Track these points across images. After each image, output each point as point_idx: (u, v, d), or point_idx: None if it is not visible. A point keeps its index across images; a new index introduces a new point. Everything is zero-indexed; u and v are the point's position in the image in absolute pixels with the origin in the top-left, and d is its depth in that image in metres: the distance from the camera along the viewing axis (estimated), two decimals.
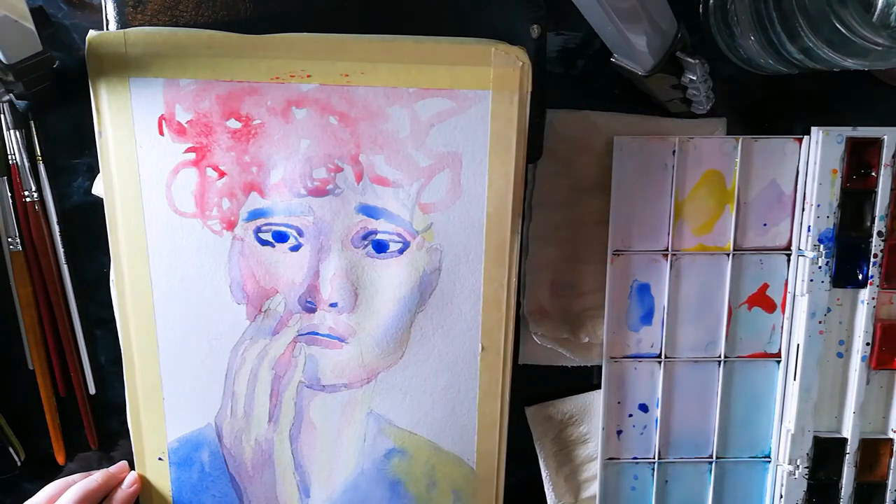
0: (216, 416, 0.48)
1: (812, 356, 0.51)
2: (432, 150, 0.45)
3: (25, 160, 0.48)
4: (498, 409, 0.49)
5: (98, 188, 0.48)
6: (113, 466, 0.50)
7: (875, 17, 0.40)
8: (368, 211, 0.45)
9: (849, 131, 0.48)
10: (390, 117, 0.44)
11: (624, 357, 0.52)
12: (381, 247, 0.46)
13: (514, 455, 0.51)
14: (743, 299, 0.52)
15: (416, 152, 0.45)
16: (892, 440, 0.52)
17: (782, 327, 0.52)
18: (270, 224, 0.46)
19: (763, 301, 0.52)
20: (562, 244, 0.51)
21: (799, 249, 0.51)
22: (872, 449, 0.52)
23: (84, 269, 0.50)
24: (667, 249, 0.51)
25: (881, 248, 0.50)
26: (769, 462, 0.53)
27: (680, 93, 0.47)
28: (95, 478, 0.48)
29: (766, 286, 0.52)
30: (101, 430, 0.52)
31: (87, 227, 0.49)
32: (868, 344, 0.51)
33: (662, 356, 0.52)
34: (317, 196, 0.45)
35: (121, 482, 0.48)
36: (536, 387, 0.54)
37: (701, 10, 0.49)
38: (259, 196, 0.45)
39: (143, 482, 0.49)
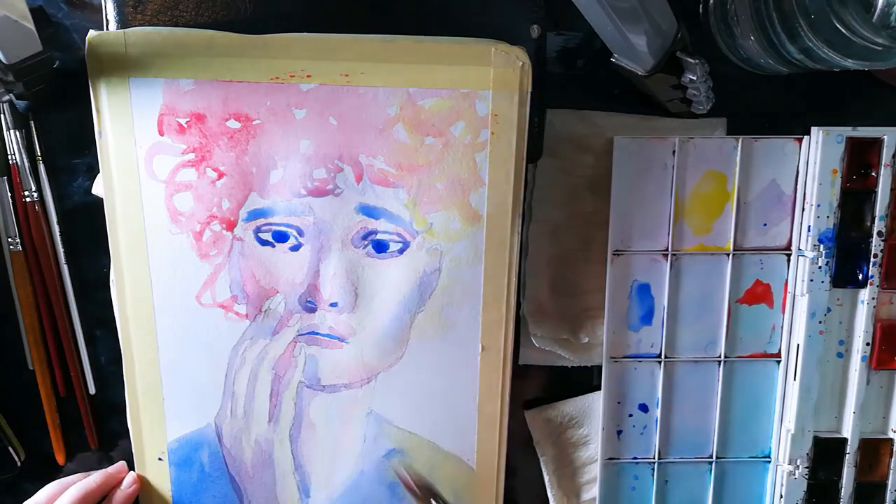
0: (216, 417, 0.48)
1: (812, 356, 0.51)
2: (432, 150, 0.45)
3: (25, 160, 0.48)
4: (498, 410, 0.49)
5: (98, 188, 0.48)
6: (111, 467, 0.50)
7: (875, 17, 0.40)
8: (368, 211, 0.45)
9: (849, 131, 0.48)
10: (390, 117, 0.44)
11: (624, 357, 0.52)
12: (381, 247, 0.46)
13: (514, 455, 0.51)
14: (743, 300, 0.52)
15: (415, 152, 0.45)
16: (892, 440, 0.52)
17: (782, 327, 0.52)
18: (270, 224, 0.46)
19: (763, 301, 0.52)
20: (562, 244, 0.51)
21: (799, 249, 0.51)
22: (872, 449, 0.52)
23: (84, 269, 0.50)
24: (667, 249, 0.51)
25: (881, 248, 0.50)
26: (769, 462, 0.53)
27: (680, 93, 0.47)
28: (94, 478, 0.48)
29: (766, 286, 0.51)
30: (101, 430, 0.52)
31: (87, 227, 0.49)
32: (868, 344, 0.51)
33: (662, 356, 0.52)
34: (317, 196, 0.45)
35: (120, 482, 0.48)
36: (536, 387, 0.54)
37: (701, 10, 0.49)
38: (259, 196, 0.45)
39: (143, 483, 0.49)
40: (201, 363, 0.47)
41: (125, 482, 0.48)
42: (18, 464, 0.51)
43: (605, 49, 0.46)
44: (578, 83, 0.50)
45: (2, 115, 0.47)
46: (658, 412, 0.53)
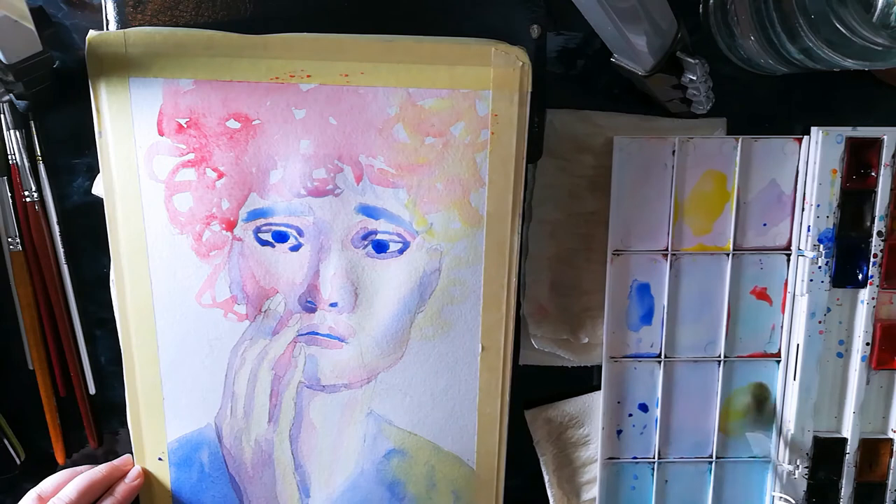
0: (216, 417, 0.48)
1: (812, 356, 0.51)
2: (432, 150, 0.45)
3: (25, 160, 0.48)
4: (498, 410, 0.49)
5: (98, 188, 0.48)
6: (117, 459, 0.50)
7: (875, 17, 0.40)
8: (368, 211, 0.46)
9: (849, 131, 0.48)
10: (390, 117, 0.44)
11: (624, 357, 0.52)
12: (381, 247, 0.46)
13: (514, 455, 0.51)
14: (742, 300, 0.52)
15: (415, 152, 0.45)
16: (892, 440, 0.52)
17: (782, 327, 0.52)
18: (270, 224, 0.46)
19: (763, 299, 0.52)
20: (562, 244, 0.51)
21: (799, 249, 0.51)
22: (872, 449, 0.52)
23: (84, 269, 0.50)
24: (667, 249, 0.51)
25: (881, 248, 0.50)
26: (769, 462, 0.53)
27: (680, 93, 0.47)
28: (101, 469, 0.48)
29: (765, 287, 0.51)
30: (101, 430, 0.52)
31: (87, 227, 0.49)
32: (868, 344, 0.51)
33: (662, 356, 0.52)
34: (317, 196, 0.45)
35: (125, 474, 0.49)
36: (536, 387, 0.54)
37: (701, 10, 0.49)
38: (258, 196, 0.45)
39: (144, 482, 0.49)
40: (201, 363, 0.47)
41: (130, 475, 0.49)
42: (18, 463, 0.51)
43: (605, 49, 0.46)
44: (578, 83, 0.50)
45: (2, 115, 0.47)
46: (658, 412, 0.53)
